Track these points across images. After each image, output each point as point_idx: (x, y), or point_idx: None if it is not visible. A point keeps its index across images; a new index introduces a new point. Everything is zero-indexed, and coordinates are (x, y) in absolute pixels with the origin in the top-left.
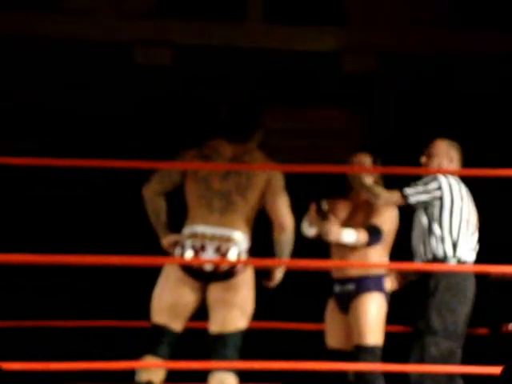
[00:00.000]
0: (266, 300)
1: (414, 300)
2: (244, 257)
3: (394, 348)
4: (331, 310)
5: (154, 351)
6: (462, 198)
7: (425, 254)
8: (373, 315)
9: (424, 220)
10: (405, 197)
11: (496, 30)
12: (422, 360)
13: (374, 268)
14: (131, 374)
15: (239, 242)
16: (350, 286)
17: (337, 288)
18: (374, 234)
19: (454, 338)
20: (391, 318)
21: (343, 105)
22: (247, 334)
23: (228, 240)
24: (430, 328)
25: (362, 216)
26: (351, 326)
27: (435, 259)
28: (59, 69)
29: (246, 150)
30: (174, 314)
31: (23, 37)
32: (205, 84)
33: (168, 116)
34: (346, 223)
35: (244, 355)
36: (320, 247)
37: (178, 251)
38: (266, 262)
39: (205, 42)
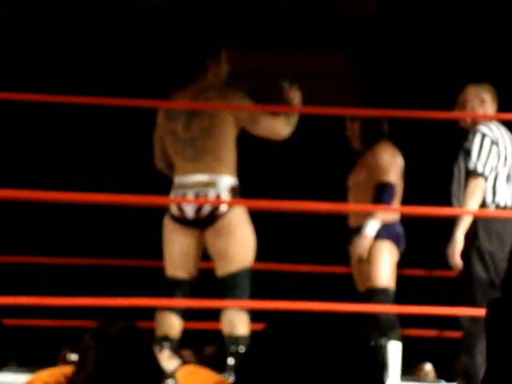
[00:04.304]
0: (283, 242)
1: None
2: (226, 197)
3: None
4: (351, 257)
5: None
6: (501, 143)
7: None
8: (383, 260)
9: (463, 166)
10: (482, 175)
11: None
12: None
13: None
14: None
15: (217, 184)
16: None
17: (353, 236)
18: (387, 193)
19: (496, 284)
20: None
21: (343, 48)
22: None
23: (205, 185)
24: (474, 276)
25: (366, 171)
26: (364, 272)
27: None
28: None
29: (201, 89)
30: (177, 263)
31: None
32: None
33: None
34: (351, 182)
35: (261, 295)
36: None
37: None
38: (250, 203)
39: None
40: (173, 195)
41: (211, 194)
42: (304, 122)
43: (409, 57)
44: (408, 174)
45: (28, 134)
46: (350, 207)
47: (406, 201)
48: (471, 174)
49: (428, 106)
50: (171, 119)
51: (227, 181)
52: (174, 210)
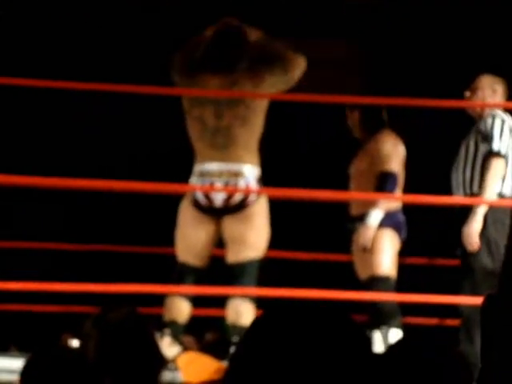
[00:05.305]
0: (287, 229)
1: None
2: (255, 187)
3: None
4: (354, 245)
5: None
6: (506, 132)
7: (470, 188)
8: (385, 248)
9: (471, 153)
10: (504, 156)
11: None
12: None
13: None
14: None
15: (247, 175)
16: None
17: (355, 225)
18: (389, 182)
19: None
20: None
21: (345, 35)
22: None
23: (235, 174)
24: (480, 264)
25: (368, 160)
26: (366, 260)
27: (479, 193)
28: None
29: (234, 80)
30: (193, 251)
31: None
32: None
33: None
34: (353, 170)
35: (267, 283)
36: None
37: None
38: (276, 192)
39: None
40: (197, 182)
41: (241, 183)
42: (304, 110)
43: (411, 43)
44: (409, 163)
45: (47, 119)
46: (353, 196)
47: (407, 189)
48: (494, 155)
49: (430, 94)
50: (196, 105)
51: (254, 171)
52: (199, 197)
